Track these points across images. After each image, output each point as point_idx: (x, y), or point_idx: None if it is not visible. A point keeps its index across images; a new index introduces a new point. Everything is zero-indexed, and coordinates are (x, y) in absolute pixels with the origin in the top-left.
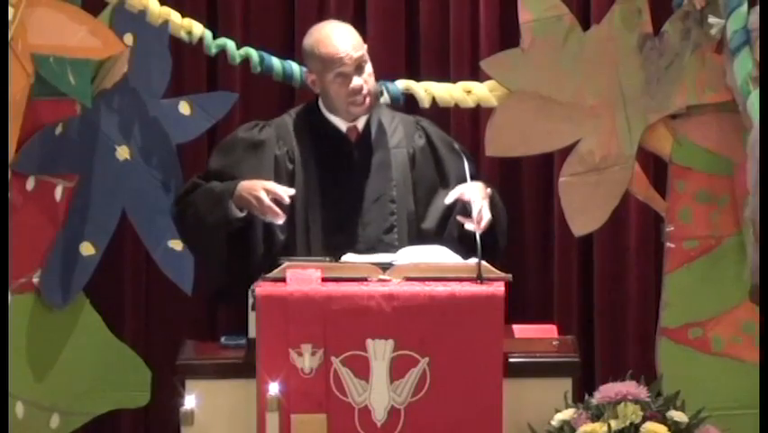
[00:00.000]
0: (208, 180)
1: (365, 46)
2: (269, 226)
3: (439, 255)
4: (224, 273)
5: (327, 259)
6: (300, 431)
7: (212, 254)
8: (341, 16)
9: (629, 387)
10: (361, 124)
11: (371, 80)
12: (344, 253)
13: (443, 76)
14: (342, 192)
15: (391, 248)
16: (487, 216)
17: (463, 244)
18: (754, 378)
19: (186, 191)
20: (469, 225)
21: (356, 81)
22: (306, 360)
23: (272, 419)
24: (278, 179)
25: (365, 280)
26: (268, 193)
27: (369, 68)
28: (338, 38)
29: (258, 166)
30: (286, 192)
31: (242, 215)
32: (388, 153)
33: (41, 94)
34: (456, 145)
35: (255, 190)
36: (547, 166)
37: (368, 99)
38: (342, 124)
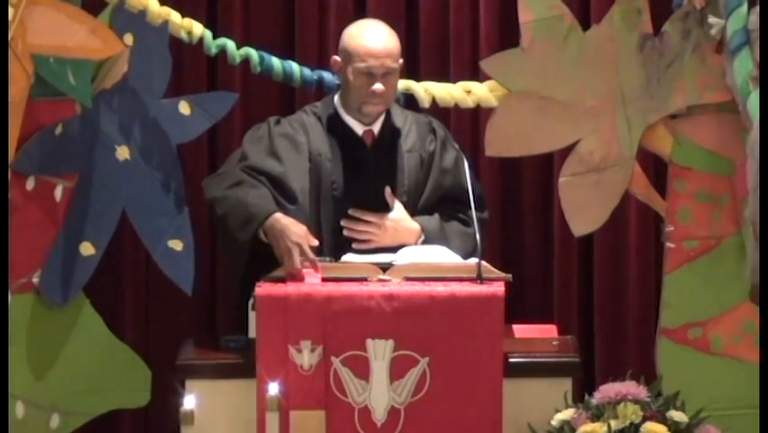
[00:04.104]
0: (252, 175)
1: (400, 58)
2: None
3: (439, 255)
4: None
5: (327, 259)
6: (299, 428)
7: (235, 261)
8: (341, 16)
9: (629, 387)
10: (376, 127)
11: (392, 91)
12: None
13: (443, 76)
14: (355, 197)
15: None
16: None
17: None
18: (754, 378)
19: (230, 183)
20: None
21: (377, 86)
22: (306, 357)
23: (272, 419)
24: (311, 178)
25: (365, 280)
26: (300, 254)
27: (395, 79)
28: (371, 36)
29: (300, 167)
30: (312, 250)
31: (266, 240)
32: (402, 158)
33: (41, 94)
34: (453, 150)
35: (288, 241)
36: (547, 166)
37: (381, 106)
38: (358, 128)
